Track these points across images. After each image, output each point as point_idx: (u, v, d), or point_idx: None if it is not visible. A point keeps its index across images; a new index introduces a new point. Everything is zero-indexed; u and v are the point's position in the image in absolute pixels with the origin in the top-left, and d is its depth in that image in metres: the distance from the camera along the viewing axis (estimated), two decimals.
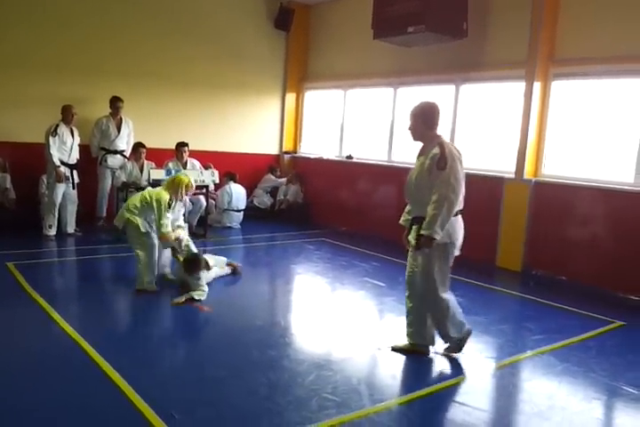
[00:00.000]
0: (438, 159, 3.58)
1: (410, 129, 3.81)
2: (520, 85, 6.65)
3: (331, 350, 3.96)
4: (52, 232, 7.06)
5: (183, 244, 5.28)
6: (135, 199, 5.17)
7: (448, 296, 3.83)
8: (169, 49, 8.61)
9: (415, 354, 3.90)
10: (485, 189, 6.78)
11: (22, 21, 7.45)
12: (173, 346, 4.04)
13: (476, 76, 7.35)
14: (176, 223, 5.38)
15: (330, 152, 9.75)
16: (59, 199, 7.04)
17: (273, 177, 9.80)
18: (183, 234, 5.34)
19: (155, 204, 4.99)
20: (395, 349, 3.98)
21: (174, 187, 5.17)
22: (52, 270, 5.99)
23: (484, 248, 6.75)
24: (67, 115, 7.05)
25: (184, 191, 5.22)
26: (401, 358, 3.86)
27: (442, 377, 3.63)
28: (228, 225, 8.64)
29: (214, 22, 9.04)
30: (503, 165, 6.94)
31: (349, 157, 9.25)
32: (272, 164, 10.04)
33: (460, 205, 3.68)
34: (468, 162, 7.28)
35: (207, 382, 3.34)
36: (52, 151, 6.85)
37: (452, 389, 3.45)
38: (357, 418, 2.97)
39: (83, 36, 7.88)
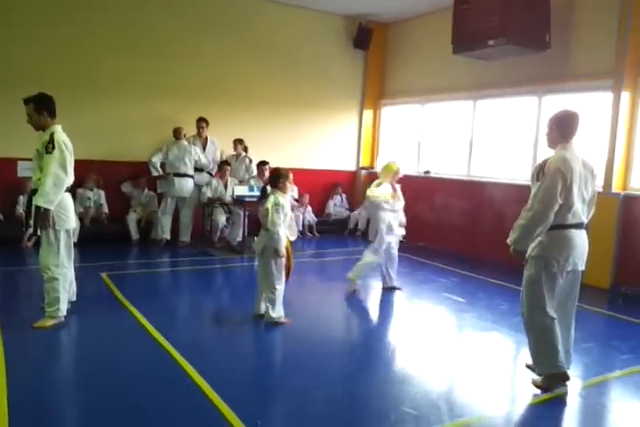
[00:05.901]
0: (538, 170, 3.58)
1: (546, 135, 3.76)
2: (607, 96, 6.43)
3: (410, 365, 3.95)
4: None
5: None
6: None
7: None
8: (251, 72, 8.98)
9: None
10: None
11: (121, 53, 8.00)
12: (254, 356, 4.15)
13: (560, 87, 7.17)
14: None
15: (407, 167, 9.71)
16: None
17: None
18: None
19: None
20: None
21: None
22: (142, 281, 6.35)
23: None
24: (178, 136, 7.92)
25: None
26: (483, 376, 3.79)
27: (525, 396, 3.53)
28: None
29: (294, 44, 9.36)
30: None
31: (427, 172, 9.21)
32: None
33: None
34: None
35: (288, 392, 3.43)
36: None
37: (536, 408, 3.36)
38: None
39: (177, 67, 8.38)
